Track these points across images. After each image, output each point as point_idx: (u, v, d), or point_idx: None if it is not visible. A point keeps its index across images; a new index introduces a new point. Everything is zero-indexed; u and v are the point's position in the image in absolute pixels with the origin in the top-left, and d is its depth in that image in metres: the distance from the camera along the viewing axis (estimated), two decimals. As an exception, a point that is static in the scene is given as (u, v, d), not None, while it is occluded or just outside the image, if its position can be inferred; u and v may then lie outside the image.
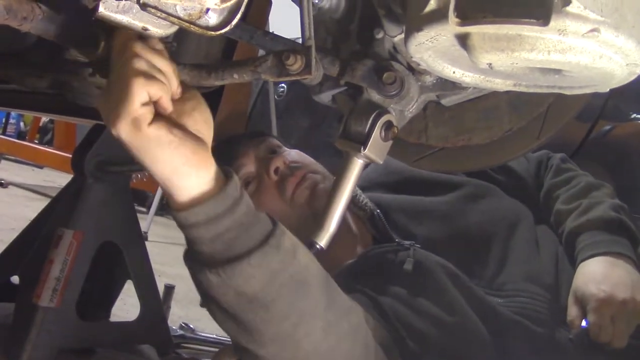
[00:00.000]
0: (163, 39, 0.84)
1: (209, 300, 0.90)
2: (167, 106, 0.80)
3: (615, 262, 1.24)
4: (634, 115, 2.39)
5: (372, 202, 1.39)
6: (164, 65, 0.79)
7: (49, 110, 1.75)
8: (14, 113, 8.13)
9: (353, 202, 1.37)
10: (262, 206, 1.15)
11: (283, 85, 3.74)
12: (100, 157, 1.57)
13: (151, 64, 0.78)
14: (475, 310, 1.19)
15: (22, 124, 8.60)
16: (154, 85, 0.77)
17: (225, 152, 1.29)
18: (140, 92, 0.76)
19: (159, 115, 0.79)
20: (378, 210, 1.36)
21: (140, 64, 0.76)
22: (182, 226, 0.85)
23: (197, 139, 0.82)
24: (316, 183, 1.30)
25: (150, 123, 0.77)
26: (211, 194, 0.83)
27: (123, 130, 0.77)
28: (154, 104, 0.78)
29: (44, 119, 7.88)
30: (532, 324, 1.19)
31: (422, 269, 1.22)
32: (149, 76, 0.76)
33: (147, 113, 0.77)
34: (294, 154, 1.39)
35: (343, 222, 1.29)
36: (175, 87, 0.81)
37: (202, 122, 0.83)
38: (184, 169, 0.80)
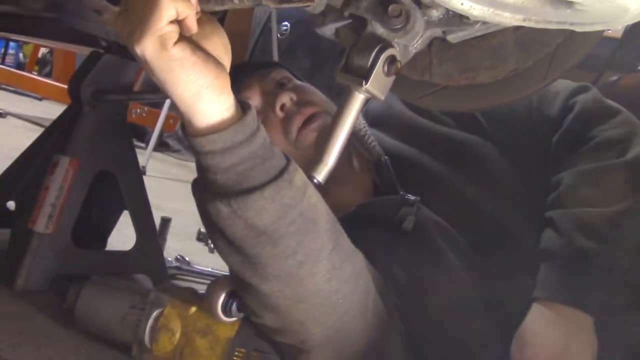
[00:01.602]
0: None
1: (215, 231, 0.89)
2: (193, 26, 0.78)
3: (556, 318, 1.07)
4: (641, 67, 2.35)
5: (380, 146, 1.32)
6: None
7: (46, 35, 1.72)
8: (12, 43, 8.01)
9: (360, 141, 1.32)
10: None
11: (286, 24, 3.67)
12: (97, 85, 1.55)
13: None
14: (473, 277, 1.14)
15: (21, 55, 8.48)
16: (182, 3, 0.74)
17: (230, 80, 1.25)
18: (169, 8, 0.73)
19: (182, 36, 0.77)
20: (386, 157, 1.29)
21: None
22: (198, 152, 0.83)
23: (218, 63, 0.80)
24: (323, 125, 1.24)
25: (175, 43, 0.75)
26: (230, 122, 0.82)
27: (148, 48, 0.75)
28: (179, 23, 0.76)
29: (43, 50, 7.77)
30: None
31: (422, 229, 1.17)
32: None
33: (174, 32, 0.75)
34: (303, 88, 1.32)
35: (345, 160, 1.27)
36: (196, 6, 0.79)
37: (221, 47, 0.82)
38: (206, 92, 0.79)
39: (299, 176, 0.88)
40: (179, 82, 0.78)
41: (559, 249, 1.11)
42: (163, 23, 0.73)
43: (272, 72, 1.33)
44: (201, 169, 0.85)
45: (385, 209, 1.21)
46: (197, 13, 0.80)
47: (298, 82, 1.34)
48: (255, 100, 1.28)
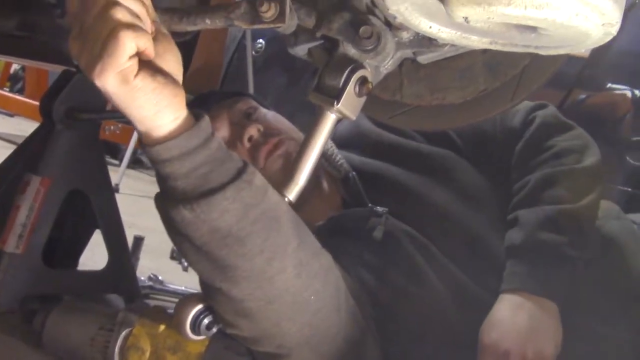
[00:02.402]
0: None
1: (181, 240, 0.90)
2: (151, 53, 0.79)
3: (521, 303, 1.12)
4: (609, 85, 2.40)
5: (348, 163, 1.36)
6: (138, 6, 0.78)
7: (18, 53, 1.71)
8: (-16, 59, 7.91)
9: (328, 161, 1.35)
10: None
11: (261, 41, 3.68)
12: (70, 103, 1.54)
13: (131, 11, 0.76)
14: (445, 283, 1.18)
15: (-8, 70, 8.37)
16: (142, 38, 0.76)
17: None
18: (129, 46, 0.74)
19: (141, 62, 0.78)
20: (354, 173, 1.33)
21: (123, 14, 0.75)
22: (156, 162, 0.84)
23: (174, 80, 0.82)
24: (289, 151, 1.27)
25: (136, 75, 0.77)
26: (185, 128, 0.83)
27: (109, 83, 0.76)
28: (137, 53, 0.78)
29: (15, 66, 7.68)
30: None
31: (392, 238, 1.20)
32: (134, 27, 0.75)
33: (134, 65, 0.77)
34: (269, 118, 1.35)
35: (314, 179, 1.29)
36: (149, 29, 0.80)
37: (174, 63, 0.83)
38: (165, 110, 0.81)
39: (258, 177, 0.90)
40: (140, 106, 0.79)
41: (522, 243, 1.18)
42: (124, 59, 0.75)
43: (239, 103, 1.36)
44: (161, 178, 0.87)
45: (355, 220, 1.25)
46: (153, 29, 0.81)
47: (265, 111, 1.37)
48: (223, 131, 1.31)
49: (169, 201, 0.86)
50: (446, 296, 1.18)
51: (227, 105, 1.35)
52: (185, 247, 0.91)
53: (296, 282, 0.94)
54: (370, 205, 1.26)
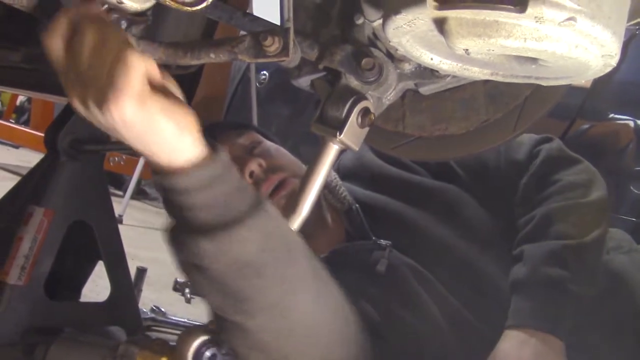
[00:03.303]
0: (140, 13, 0.83)
1: (196, 272, 0.87)
2: (157, 74, 0.77)
3: (526, 340, 1.10)
4: (612, 115, 2.41)
5: (351, 196, 1.35)
6: (124, 35, 0.77)
7: (24, 85, 1.72)
8: (-10, 91, 8.00)
9: (332, 193, 1.34)
10: None
11: (265, 72, 3.72)
12: (74, 135, 1.55)
13: (123, 39, 0.75)
14: (447, 317, 1.17)
15: (-1, 103, 8.46)
16: (146, 58, 0.74)
17: None
18: (139, 65, 0.72)
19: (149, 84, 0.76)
20: (357, 205, 1.32)
21: (119, 40, 0.73)
22: (176, 192, 0.81)
23: (182, 101, 0.80)
24: (293, 191, 1.25)
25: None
26: (207, 158, 0.80)
27: (128, 109, 0.72)
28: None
29: (21, 98, 7.75)
30: None
31: (395, 271, 1.19)
32: (135, 49, 0.74)
33: (147, 85, 0.74)
34: (272, 153, 1.33)
35: (317, 210, 1.29)
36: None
37: (173, 84, 0.81)
38: (185, 131, 0.78)
39: (272, 206, 0.88)
40: (161, 129, 0.76)
41: (527, 278, 1.16)
42: (138, 79, 0.72)
43: (242, 136, 1.34)
44: (178, 209, 0.83)
45: (358, 254, 1.24)
46: None
47: (268, 144, 1.36)
48: None
49: (185, 232, 0.84)
50: (448, 330, 1.17)
51: (229, 138, 1.34)
52: (200, 279, 0.88)
53: (311, 314, 0.93)
54: (374, 238, 1.25)
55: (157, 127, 0.76)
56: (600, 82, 2.54)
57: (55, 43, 0.75)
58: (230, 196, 0.83)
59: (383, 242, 1.24)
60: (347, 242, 1.32)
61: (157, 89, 0.76)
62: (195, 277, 0.89)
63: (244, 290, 0.87)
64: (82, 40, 0.73)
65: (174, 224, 0.87)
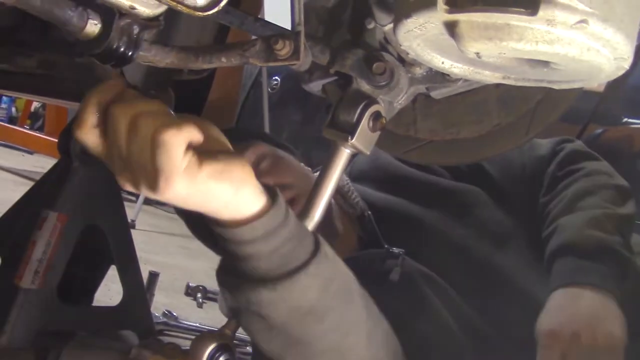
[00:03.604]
0: (152, 19, 0.83)
1: (255, 320, 0.85)
2: (199, 137, 0.72)
3: (579, 293, 1.06)
4: (625, 119, 2.40)
5: (364, 200, 1.34)
6: (155, 104, 0.73)
7: (38, 91, 1.74)
8: (5, 97, 8.08)
9: (344, 198, 1.33)
10: None
11: (276, 78, 3.73)
12: (87, 140, 1.56)
13: (155, 110, 0.71)
14: (462, 326, 1.15)
15: (13, 109, 8.54)
16: (184, 126, 0.70)
17: None
18: (178, 142, 0.69)
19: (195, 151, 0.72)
20: (369, 212, 1.30)
21: (151, 119, 0.70)
22: (239, 243, 0.79)
23: (234, 153, 0.78)
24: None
25: (199, 165, 0.71)
26: (267, 206, 0.78)
27: (180, 188, 0.70)
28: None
29: (36, 104, 7.83)
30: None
31: (409, 280, 1.17)
32: (171, 123, 0.70)
33: (193, 156, 0.71)
34: (280, 167, 1.27)
35: (328, 216, 1.28)
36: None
37: (215, 132, 0.78)
38: (243, 186, 0.76)
39: (328, 247, 0.87)
40: (217, 195, 0.74)
41: (570, 240, 1.13)
42: (180, 157, 0.69)
43: (250, 149, 1.27)
44: (239, 258, 0.81)
45: (371, 262, 1.23)
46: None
47: (276, 156, 1.29)
48: None
49: (245, 281, 0.82)
50: (462, 339, 1.15)
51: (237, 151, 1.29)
52: (258, 327, 0.86)
53: (366, 354, 0.92)
54: (387, 246, 1.24)
55: (214, 192, 0.73)
56: (614, 86, 2.53)
57: (89, 138, 0.73)
58: (291, 242, 0.81)
59: (396, 250, 1.22)
60: (359, 249, 1.30)
61: (202, 152, 0.72)
62: (252, 325, 0.87)
63: (303, 336, 0.86)
64: (114, 128, 0.71)
65: (228, 268, 0.85)
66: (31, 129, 7.23)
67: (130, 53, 0.80)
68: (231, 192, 0.74)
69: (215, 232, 0.80)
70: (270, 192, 0.81)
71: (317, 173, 1.02)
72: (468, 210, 1.30)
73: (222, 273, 0.86)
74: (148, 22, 0.84)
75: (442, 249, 1.25)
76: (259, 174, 1.23)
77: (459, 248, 1.25)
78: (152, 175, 0.70)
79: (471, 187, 1.34)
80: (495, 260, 1.24)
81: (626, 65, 0.63)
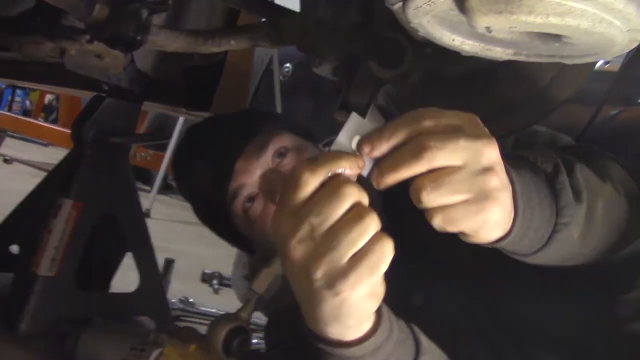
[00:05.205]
0: (161, 2, 0.83)
1: None
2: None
3: None
4: (640, 100, 2.36)
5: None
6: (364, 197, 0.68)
7: (49, 80, 1.75)
8: (19, 91, 8.14)
9: None
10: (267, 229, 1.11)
11: (288, 65, 3.72)
12: (100, 127, 1.57)
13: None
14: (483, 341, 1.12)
15: (27, 102, 8.61)
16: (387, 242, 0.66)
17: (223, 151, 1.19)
18: (389, 257, 0.66)
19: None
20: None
21: (375, 219, 0.66)
22: (345, 358, 0.77)
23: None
24: None
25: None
26: (376, 324, 0.77)
27: (355, 296, 0.66)
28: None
29: (49, 96, 7.88)
30: None
31: (432, 301, 1.13)
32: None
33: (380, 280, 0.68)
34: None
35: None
36: None
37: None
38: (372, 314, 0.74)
39: (424, 337, 0.87)
40: (358, 315, 0.71)
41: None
42: (382, 272, 0.66)
43: (270, 143, 1.18)
44: None
45: (391, 283, 1.20)
46: None
47: (299, 146, 1.22)
48: (251, 186, 1.17)
49: None
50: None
51: (256, 149, 1.19)
52: None
53: None
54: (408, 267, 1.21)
55: (359, 313, 0.71)
56: (628, 66, 2.49)
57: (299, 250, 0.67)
58: (397, 352, 0.80)
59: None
60: None
61: None
62: None
63: None
64: (340, 232, 0.65)
65: None
66: (45, 121, 7.28)
67: (139, 37, 0.81)
68: (365, 317, 0.73)
69: (315, 344, 0.77)
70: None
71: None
72: None
73: None
74: (156, 6, 0.85)
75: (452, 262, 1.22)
76: (280, 169, 1.21)
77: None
78: (340, 268, 0.65)
79: None
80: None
81: (639, 37, 0.62)
